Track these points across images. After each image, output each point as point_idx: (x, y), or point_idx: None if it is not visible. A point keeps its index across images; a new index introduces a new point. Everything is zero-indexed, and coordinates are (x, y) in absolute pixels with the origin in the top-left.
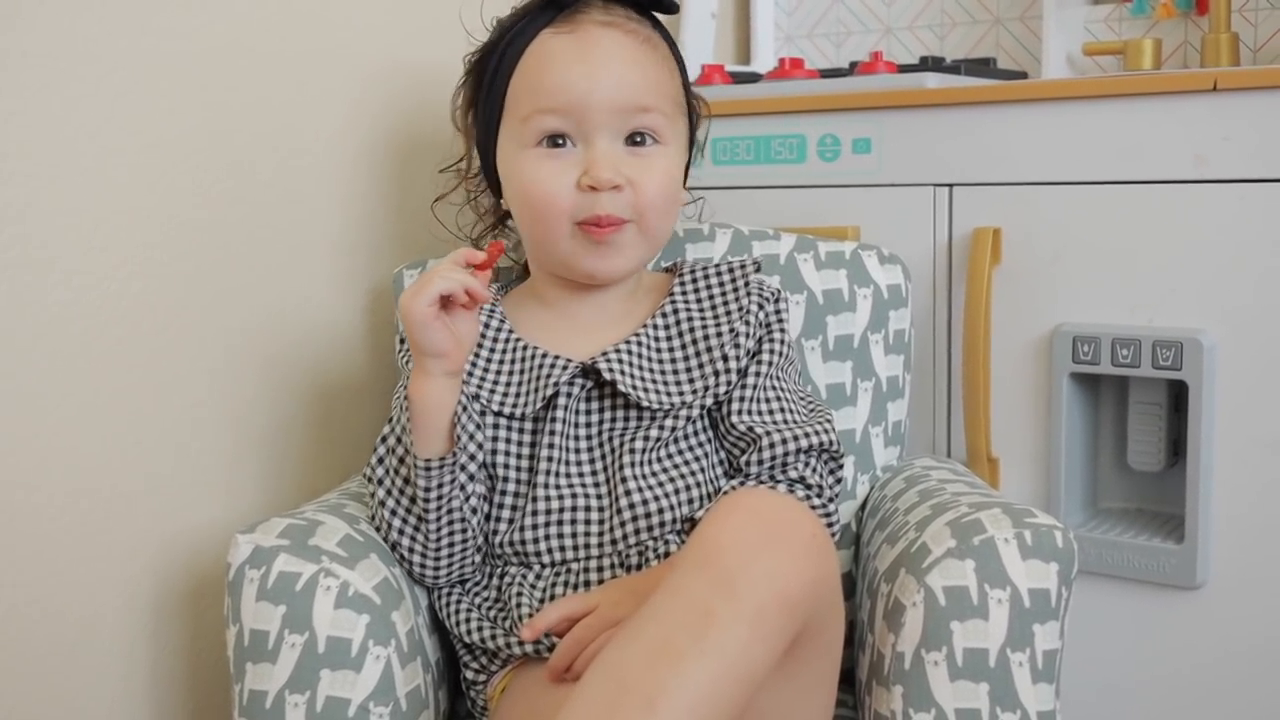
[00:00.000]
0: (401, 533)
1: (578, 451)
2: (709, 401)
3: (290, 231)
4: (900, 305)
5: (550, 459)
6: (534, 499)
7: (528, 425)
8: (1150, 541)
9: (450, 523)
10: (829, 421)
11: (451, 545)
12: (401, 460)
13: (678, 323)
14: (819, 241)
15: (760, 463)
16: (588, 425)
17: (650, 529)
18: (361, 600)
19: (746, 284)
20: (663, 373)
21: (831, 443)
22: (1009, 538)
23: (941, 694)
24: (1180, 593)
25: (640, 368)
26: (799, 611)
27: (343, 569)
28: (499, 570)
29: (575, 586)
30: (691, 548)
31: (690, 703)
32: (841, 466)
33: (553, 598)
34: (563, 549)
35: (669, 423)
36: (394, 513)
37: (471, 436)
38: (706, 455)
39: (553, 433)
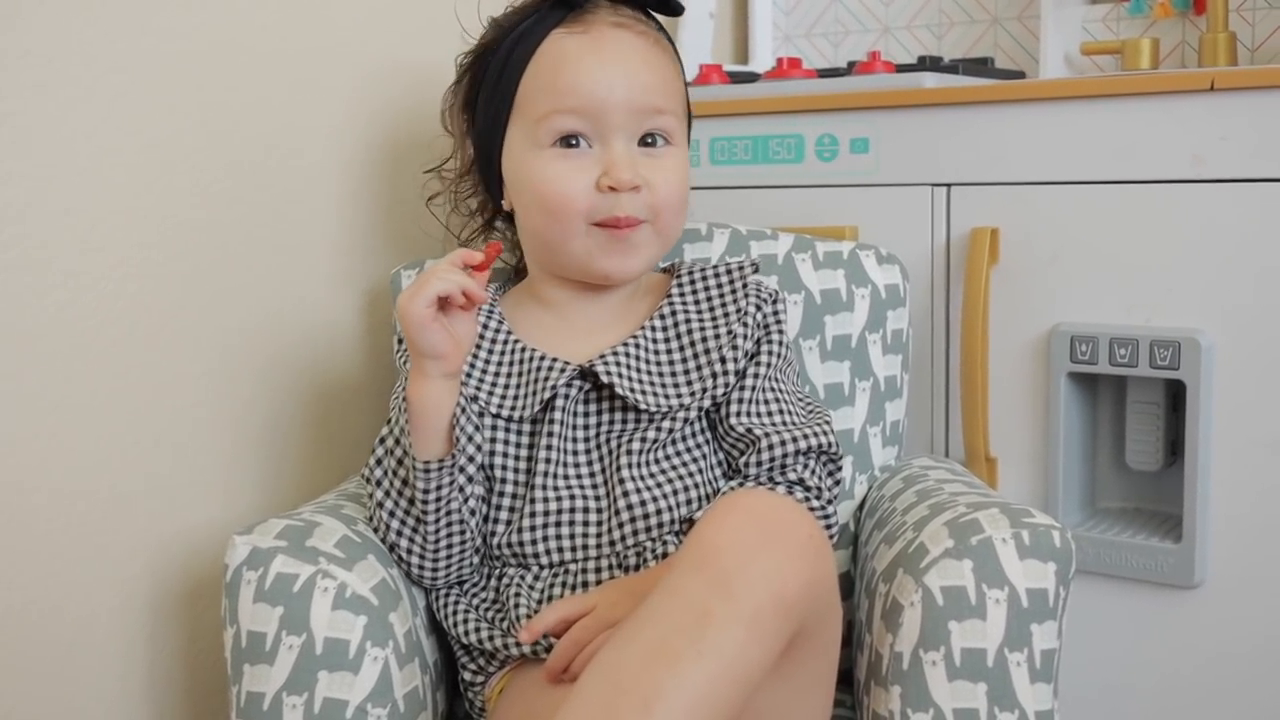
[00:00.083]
0: (400, 534)
1: (575, 453)
2: (706, 403)
3: (287, 232)
4: (898, 305)
5: (548, 460)
6: (532, 500)
7: (526, 427)
8: (1148, 541)
9: (449, 524)
10: (828, 423)
11: (450, 546)
12: (400, 462)
13: (675, 324)
14: (817, 241)
15: (759, 464)
16: (585, 427)
17: (648, 530)
18: (359, 601)
19: (745, 285)
20: (660, 375)
21: (830, 444)
22: (1007, 538)
23: (939, 694)
24: (1178, 592)
25: (638, 370)
26: (796, 612)
27: (340, 570)
28: (497, 571)
29: (573, 587)
30: (689, 548)
31: (687, 704)
32: (840, 468)
33: (551, 598)
34: (560, 550)
35: (666, 424)
36: (392, 514)
37: (470, 438)
38: (705, 456)
39: (550, 434)
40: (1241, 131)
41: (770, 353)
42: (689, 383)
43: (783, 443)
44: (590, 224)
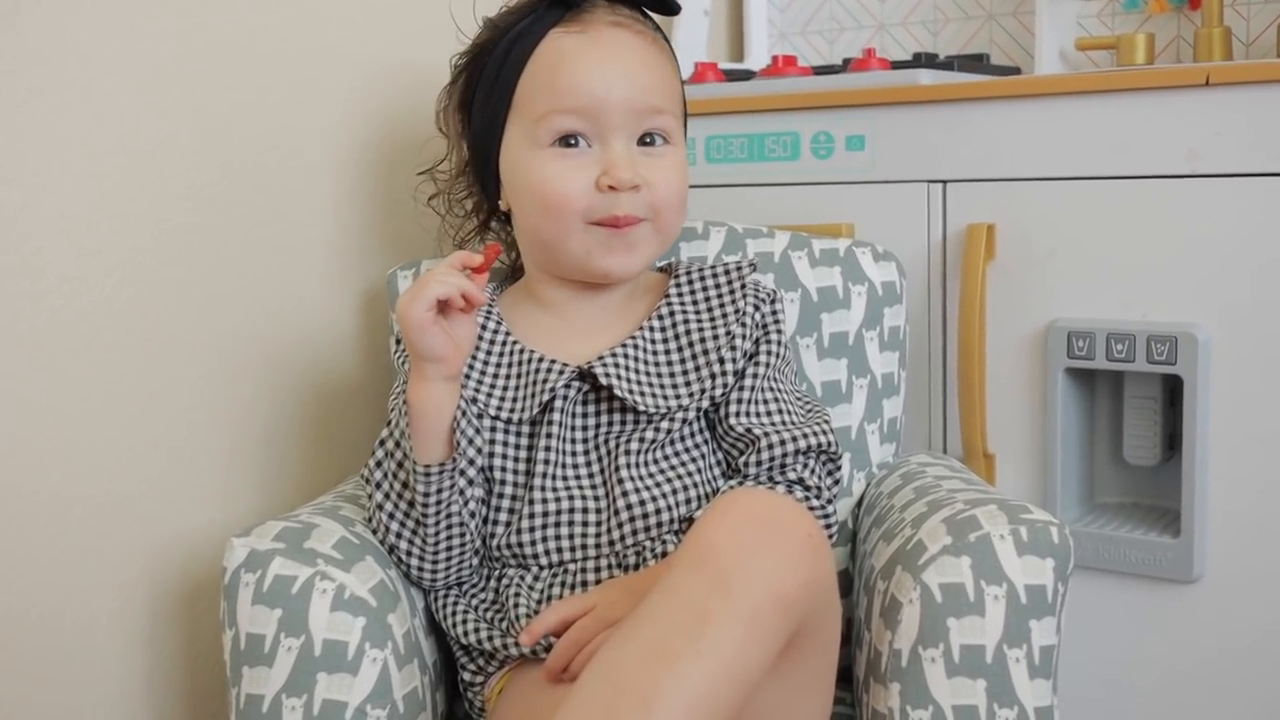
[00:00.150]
0: (400, 536)
1: (574, 454)
2: (705, 404)
3: (283, 233)
4: (895, 302)
5: (547, 462)
6: (531, 501)
7: (525, 429)
8: (1146, 536)
9: (449, 526)
10: (827, 422)
11: (450, 548)
12: (400, 464)
13: (674, 325)
14: (813, 239)
15: (759, 464)
16: (584, 428)
17: (648, 529)
18: (358, 603)
19: (743, 286)
20: (659, 376)
21: (830, 444)
22: (1005, 534)
23: (939, 691)
24: (1177, 587)
25: (636, 371)
26: (795, 611)
27: (338, 572)
28: (497, 572)
29: (573, 587)
30: (688, 547)
31: (687, 703)
32: (839, 467)
33: (550, 599)
34: (560, 550)
35: (665, 425)
36: (392, 516)
37: (471, 441)
38: (704, 456)
39: (549, 435)
40: (1237, 126)
41: (769, 352)
42: (687, 383)
43: (782, 442)
44: (588, 222)
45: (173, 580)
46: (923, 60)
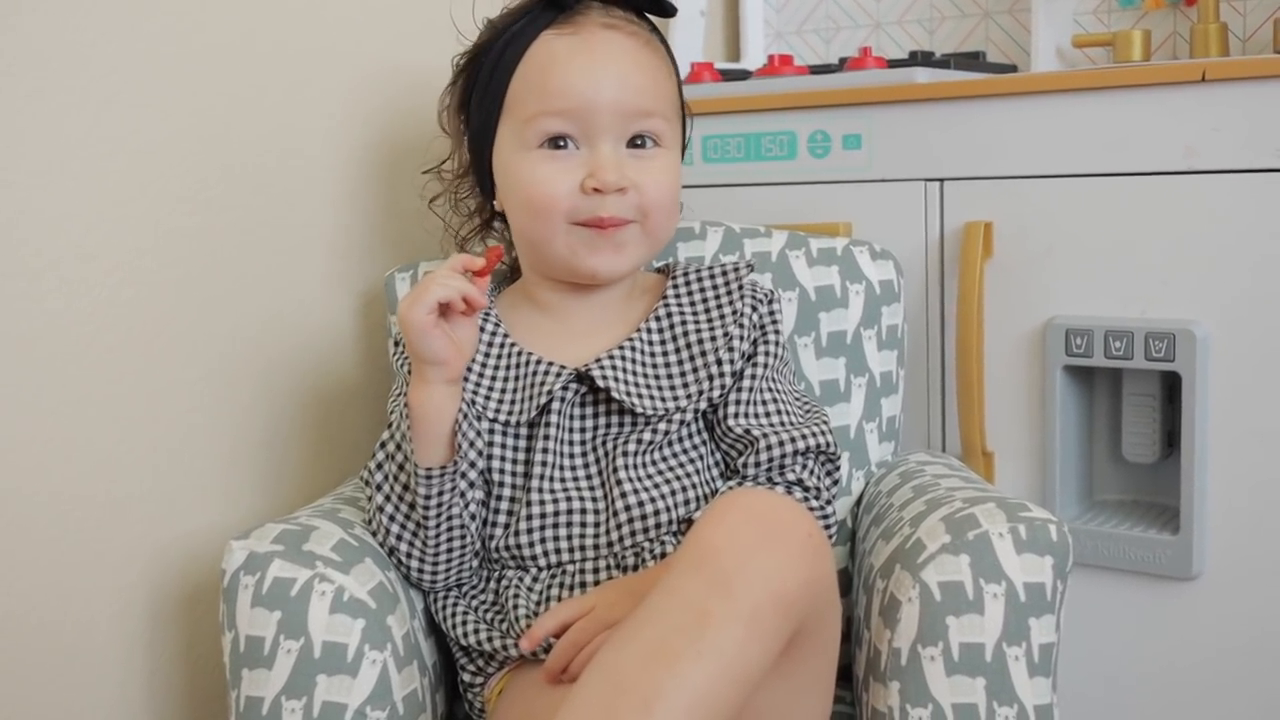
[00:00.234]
0: (400, 538)
1: (572, 456)
2: (703, 405)
3: (282, 235)
4: (893, 301)
5: (545, 464)
6: (529, 503)
7: (523, 431)
8: (1146, 533)
9: (450, 529)
10: (825, 423)
11: (450, 550)
12: (401, 467)
13: (671, 326)
14: (810, 238)
15: (758, 465)
16: (582, 430)
17: (646, 530)
18: (357, 605)
19: (740, 286)
20: (656, 378)
21: (828, 444)
22: (1003, 532)
23: (938, 689)
24: (1176, 584)
25: (634, 373)
26: (795, 611)
27: (337, 574)
28: (496, 573)
29: (572, 588)
30: (687, 548)
31: (687, 704)
32: (838, 468)
33: (549, 599)
34: (558, 551)
35: (662, 426)
36: (392, 518)
37: (472, 444)
38: (702, 457)
39: (547, 438)
40: (1234, 122)
41: (767, 353)
42: (685, 385)
43: (781, 443)
44: (572, 223)
45: (172, 582)
46: (919, 59)
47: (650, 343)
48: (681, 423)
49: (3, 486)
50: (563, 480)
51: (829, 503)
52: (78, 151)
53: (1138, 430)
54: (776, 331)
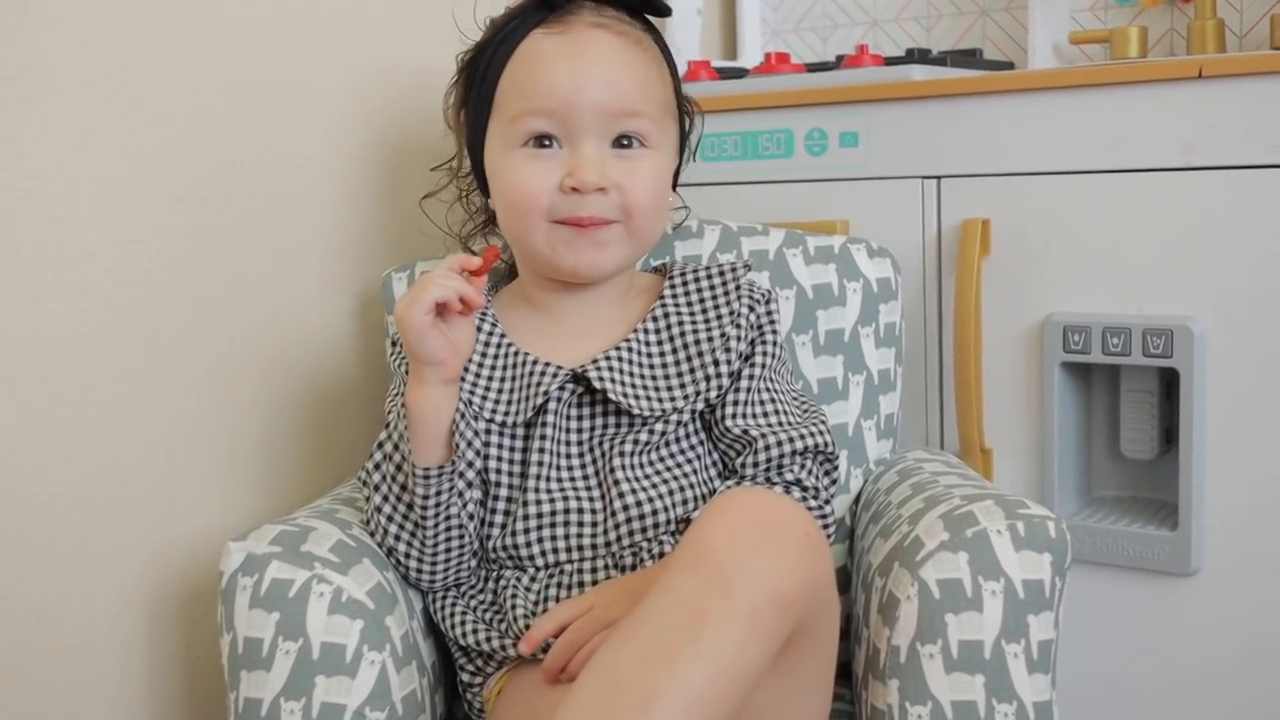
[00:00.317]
0: (398, 538)
1: (569, 456)
2: (700, 406)
3: (279, 235)
4: (890, 298)
5: (541, 464)
6: (525, 503)
7: (519, 431)
8: (1144, 529)
9: (448, 529)
10: (823, 422)
11: (449, 551)
12: (399, 467)
13: (668, 326)
14: (808, 236)
15: (756, 465)
16: (579, 430)
17: (644, 530)
18: (355, 605)
19: (738, 287)
20: (653, 379)
21: (826, 444)
22: (1002, 529)
23: (938, 686)
24: (1175, 580)
25: (631, 374)
26: (793, 610)
27: (335, 575)
28: (494, 573)
29: (569, 588)
30: (685, 547)
31: (685, 703)
32: (836, 467)
33: (547, 600)
34: (556, 551)
35: (659, 427)
36: (390, 518)
37: (470, 444)
38: (699, 457)
39: (543, 438)
40: (1230, 118)
41: (765, 353)
42: (682, 386)
43: (779, 443)
44: (552, 221)
45: (172, 583)
46: (916, 56)
47: (647, 343)
48: (678, 423)
49: (2, 487)
50: (559, 480)
51: (827, 502)
52: (75, 152)
53: (1136, 426)
54: (774, 331)
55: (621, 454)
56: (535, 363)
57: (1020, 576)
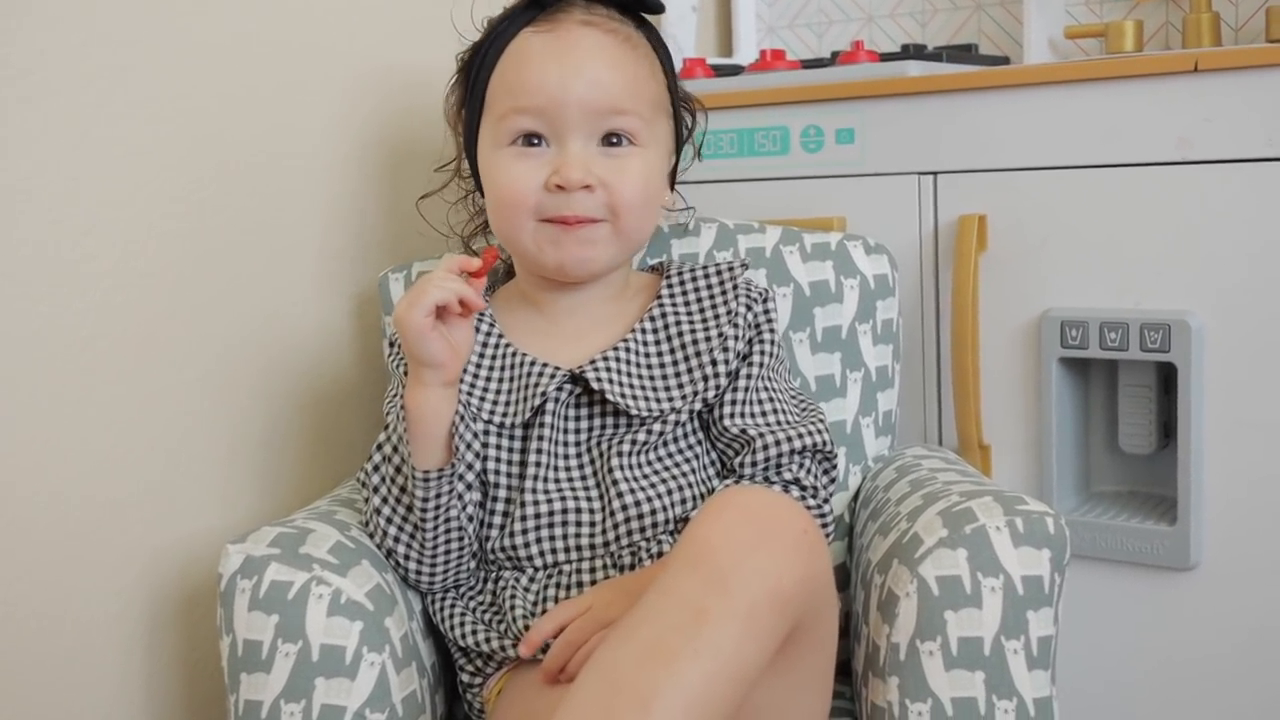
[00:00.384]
0: (398, 540)
1: (566, 457)
2: (698, 406)
3: (275, 236)
4: (887, 295)
5: (539, 464)
6: (523, 504)
7: (517, 432)
8: (1143, 524)
9: (448, 530)
10: (822, 421)
11: (449, 552)
12: (398, 469)
13: (666, 326)
14: (804, 233)
15: (754, 464)
16: (576, 431)
17: (643, 529)
18: (354, 607)
19: (735, 286)
20: (651, 379)
21: (825, 443)
22: (1000, 525)
23: (937, 683)
24: (1174, 574)
25: (629, 375)
26: (791, 608)
27: (334, 576)
28: (493, 574)
29: (568, 588)
30: (683, 546)
31: (685, 702)
32: (835, 466)
33: (546, 600)
34: (554, 551)
35: (657, 427)
36: (389, 520)
37: (469, 446)
38: (697, 457)
39: (541, 439)
40: (1227, 112)
41: (762, 352)
42: (680, 386)
43: (777, 442)
44: (539, 220)
45: (171, 585)
46: (911, 52)
47: (645, 343)
48: (676, 423)
49: (1, 489)
50: (557, 481)
51: (826, 501)
52: (71, 154)
53: (1134, 421)
54: (771, 330)
55: (620, 454)
56: (533, 363)
57: (1019, 573)
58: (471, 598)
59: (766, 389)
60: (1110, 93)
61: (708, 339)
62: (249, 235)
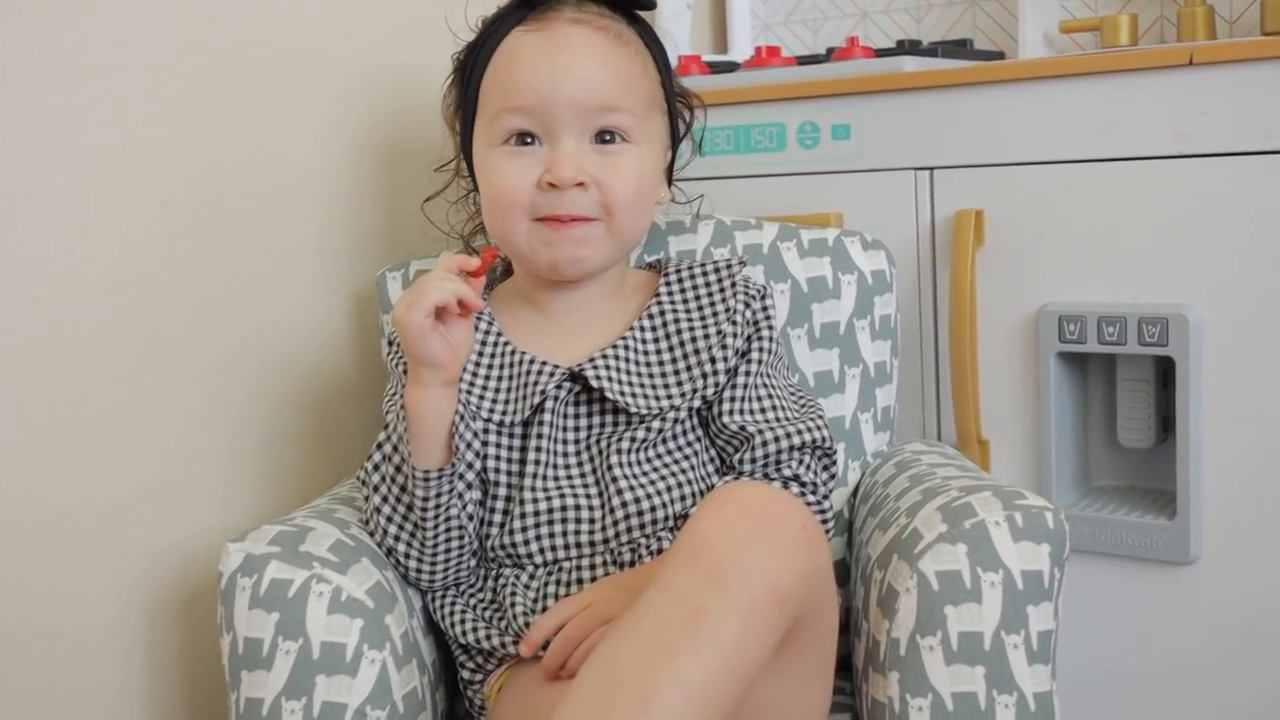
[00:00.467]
0: (398, 539)
1: (566, 455)
2: (697, 404)
3: (272, 237)
4: (885, 290)
5: (538, 462)
6: (522, 502)
7: (517, 430)
8: (1142, 518)
9: (448, 529)
10: (821, 417)
11: (449, 551)
12: (398, 468)
13: (664, 324)
14: (801, 229)
15: (754, 461)
16: (576, 429)
17: (643, 526)
18: (354, 605)
19: (733, 283)
20: (650, 376)
21: (824, 439)
22: (1000, 520)
23: (938, 678)
24: (1173, 568)
25: (628, 372)
26: (791, 604)
27: (334, 574)
28: (494, 572)
29: (568, 586)
30: (682, 543)
31: (685, 698)
32: (834, 462)
33: (546, 597)
34: (554, 549)
35: (656, 424)
36: (390, 519)
37: (469, 445)
38: (696, 454)
39: (540, 436)
40: (1222, 105)
41: (761, 349)
42: (679, 383)
43: (776, 439)
44: (533, 219)
45: (171, 585)
46: (906, 47)
47: (643, 341)
48: (675, 420)
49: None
50: (556, 479)
51: (826, 497)
52: (68, 155)
53: (1132, 415)
54: (770, 327)
55: (619, 451)
56: (532, 361)
57: (1019, 567)
58: (472, 595)
59: (765, 386)
60: (1106, 87)
61: (706, 336)
62: (246, 235)
